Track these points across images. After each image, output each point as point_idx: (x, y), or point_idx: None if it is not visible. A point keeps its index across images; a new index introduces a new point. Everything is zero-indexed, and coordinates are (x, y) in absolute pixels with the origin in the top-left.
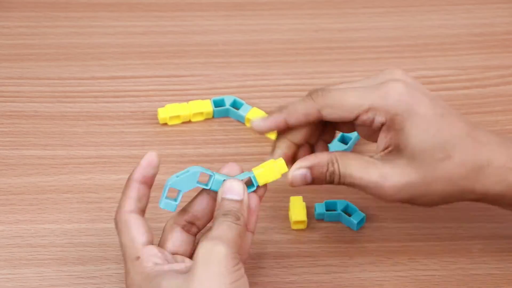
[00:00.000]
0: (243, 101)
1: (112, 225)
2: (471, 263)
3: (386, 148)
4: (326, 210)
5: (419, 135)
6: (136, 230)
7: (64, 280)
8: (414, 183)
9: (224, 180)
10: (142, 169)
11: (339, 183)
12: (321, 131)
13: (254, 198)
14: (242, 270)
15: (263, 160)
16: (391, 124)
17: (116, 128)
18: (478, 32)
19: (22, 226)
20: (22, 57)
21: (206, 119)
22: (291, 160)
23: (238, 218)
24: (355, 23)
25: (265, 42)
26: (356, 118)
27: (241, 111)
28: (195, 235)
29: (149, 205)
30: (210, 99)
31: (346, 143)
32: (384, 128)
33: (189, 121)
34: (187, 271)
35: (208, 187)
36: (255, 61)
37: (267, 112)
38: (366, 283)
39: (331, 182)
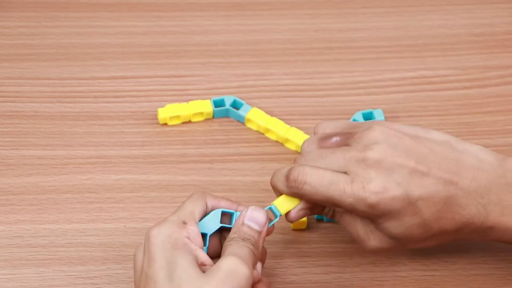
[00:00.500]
0: (243, 101)
1: (112, 225)
2: (471, 263)
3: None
4: None
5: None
6: (200, 210)
7: (64, 280)
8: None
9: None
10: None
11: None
12: None
13: (270, 228)
14: None
15: (263, 160)
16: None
17: (116, 128)
18: (478, 32)
19: (22, 226)
20: (22, 57)
21: (206, 119)
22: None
23: (256, 248)
24: (355, 23)
25: (265, 42)
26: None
27: (241, 111)
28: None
29: (149, 205)
30: (210, 99)
31: None
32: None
33: (189, 121)
34: (204, 271)
35: (232, 225)
36: (255, 61)
37: (267, 112)
38: (366, 283)
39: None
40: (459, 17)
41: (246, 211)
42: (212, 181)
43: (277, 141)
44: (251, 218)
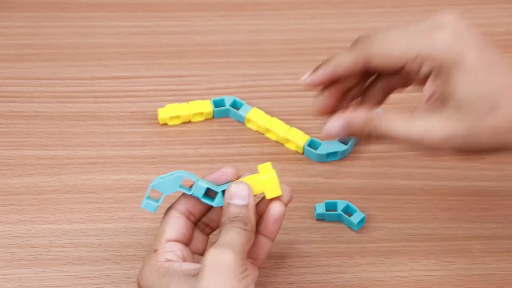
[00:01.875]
0: (243, 101)
1: (112, 225)
2: (471, 263)
3: (431, 97)
4: (326, 211)
5: (465, 85)
6: (169, 226)
7: (64, 280)
8: (459, 135)
9: (206, 186)
10: (211, 176)
11: (379, 137)
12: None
13: (278, 207)
14: (250, 278)
15: (263, 160)
16: (438, 73)
17: (116, 128)
18: (478, 32)
19: (22, 226)
20: (22, 57)
21: (206, 119)
22: (331, 111)
23: (245, 224)
24: (355, 23)
25: (265, 42)
26: (403, 67)
27: (241, 111)
28: (208, 235)
29: None
30: (210, 99)
31: (345, 144)
32: (431, 77)
33: (189, 121)
34: (196, 274)
35: (190, 193)
36: (255, 61)
37: (267, 112)
38: (366, 283)
39: (369, 135)
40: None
41: (228, 190)
42: None
43: (277, 141)
44: (232, 195)
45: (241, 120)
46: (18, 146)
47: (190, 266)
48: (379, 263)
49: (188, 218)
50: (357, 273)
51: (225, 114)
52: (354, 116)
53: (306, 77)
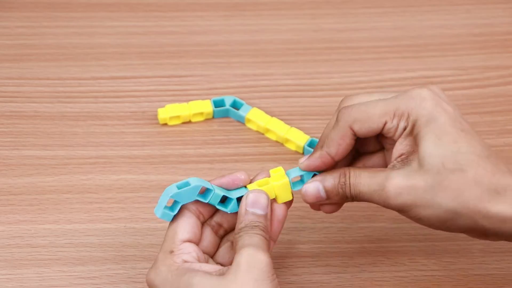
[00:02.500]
0: (243, 102)
1: (112, 225)
2: (471, 263)
3: (399, 156)
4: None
5: (433, 144)
6: (182, 226)
7: (64, 280)
8: (418, 188)
9: (222, 194)
10: (222, 180)
11: (351, 195)
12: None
13: (282, 209)
14: (277, 281)
15: (263, 160)
16: (411, 129)
17: (116, 128)
18: (478, 32)
19: (22, 226)
20: (22, 57)
21: (206, 120)
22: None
23: (265, 233)
24: (355, 23)
25: (265, 42)
26: (383, 127)
27: (241, 111)
28: (221, 237)
29: (149, 205)
30: (210, 99)
31: None
32: (404, 134)
33: (189, 122)
34: (220, 274)
35: (206, 201)
36: (255, 61)
37: (267, 112)
38: (366, 283)
39: (344, 196)
40: (459, 17)
41: (246, 198)
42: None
43: (277, 141)
44: (252, 204)
45: (241, 120)
46: (18, 146)
47: (210, 267)
48: (379, 263)
49: (197, 217)
50: (357, 273)
51: (225, 114)
52: (327, 175)
53: (303, 162)
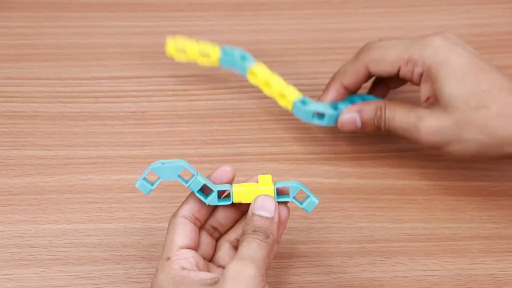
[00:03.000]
0: (251, 56)
1: (112, 225)
2: (471, 263)
3: (427, 99)
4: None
5: (453, 84)
6: (179, 233)
7: (64, 280)
8: (447, 127)
9: (203, 182)
10: (211, 174)
11: (385, 128)
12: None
13: (285, 210)
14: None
15: (263, 160)
16: (428, 75)
17: (116, 128)
18: (478, 32)
19: (22, 226)
20: (22, 57)
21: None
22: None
23: (267, 236)
24: (355, 23)
25: (265, 42)
26: (398, 71)
27: (246, 63)
28: (216, 239)
29: (149, 205)
30: (220, 46)
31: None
32: (423, 79)
33: (195, 62)
34: (213, 283)
35: (187, 185)
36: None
37: (267, 112)
38: (366, 283)
39: (378, 127)
40: (459, 17)
41: (254, 201)
42: None
43: (272, 96)
44: (259, 207)
45: (243, 73)
46: (18, 146)
47: (206, 276)
48: (379, 263)
49: (194, 223)
50: (357, 273)
51: (230, 64)
52: (364, 107)
53: (322, 98)
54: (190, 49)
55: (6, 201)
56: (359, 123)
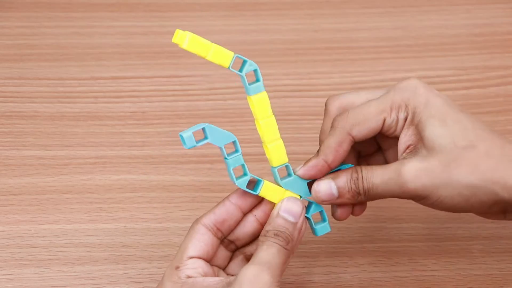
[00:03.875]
0: (261, 77)
1: (112, 225)
2: (471, 263)
3: (407, 148)
4: None
5: (438, 124)
6: (194, 242)
7: (64, 280)
8: (435, 168)
9: (243, 163)
10: (241, 196)
11: (364, 190)
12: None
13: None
14: None
15: (263, 160)
16: (412, 118)
17: (116, 129)
18: (478, 32)
19: (22, 226)
20: (22, 57)
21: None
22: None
23: (288, 243)
24: (355, 23)
25: (265, 42)
26: (383, 125)
27: (251, 87)
28: (232, 251)
29: (149, 205)
30: (233, 54)
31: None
32: (406, 124)
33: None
34: (225, 285)
35: (226, 158)
36: (255, 61)
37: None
38: (366, 283)
39: (356, 192)
40: (459, 17)
41: (281, 202)
42: (212, 181)
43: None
44: (285, 209)
45: (246, 92)
46: (18, 146)
47: (214, 280)
48: (379, 263)
49: (215, 234)
50: (357, 273)
51: (239, 72)
52: (338, 173)
53: (299, 169)
54: (200, 49)
55: (6, 201)
56: (335, 190)
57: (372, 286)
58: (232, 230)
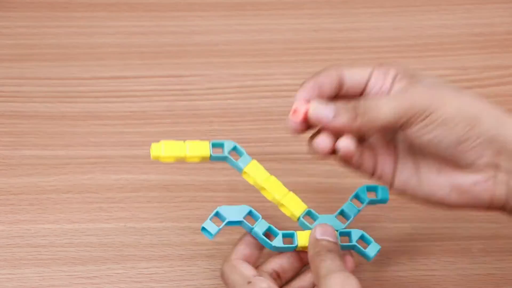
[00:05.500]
0: (243, 150)
1: (112, 225)
2: (471, 263)
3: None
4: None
5: (422, 82)
6: (244, 268)
7: (64, 280)
8: (438, 87)
9: (268, 225)
10: (248, 243)
11: (364, 113)
12: None
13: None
14: None
15: (263, 160)
16: (404, 75)
17: (117, 128)
18: (478, 32)
19: (22, 226)
20: (22, 57)
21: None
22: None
23: (341, 257)
24: (355, 23)
25: (265, 42)
26: (371, 75)
27: (240, 162)
28: (280, 286)
29: (149, 205)
30: (209, 141)
31: (346, 219)
32: (397, 79)
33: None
34: None
35: (251, 229)
36: (255, 61)
37: (266, 112)
38: (366, 283)
39: (355, 112)
40: (459, 17)
41: (314, 231)
42: (212, 181)
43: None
44: (323, 233)
45: (238, 170)
46: (18, 146)
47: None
48: (379, 263)
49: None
50: (357, 273)
51: (222, 160)
52: (340, 106)
53: (296, 95)
54: (178, 154)
55: (6, 201)
56: (331, 108)
57: (372, 286)
58: (257, 265)
